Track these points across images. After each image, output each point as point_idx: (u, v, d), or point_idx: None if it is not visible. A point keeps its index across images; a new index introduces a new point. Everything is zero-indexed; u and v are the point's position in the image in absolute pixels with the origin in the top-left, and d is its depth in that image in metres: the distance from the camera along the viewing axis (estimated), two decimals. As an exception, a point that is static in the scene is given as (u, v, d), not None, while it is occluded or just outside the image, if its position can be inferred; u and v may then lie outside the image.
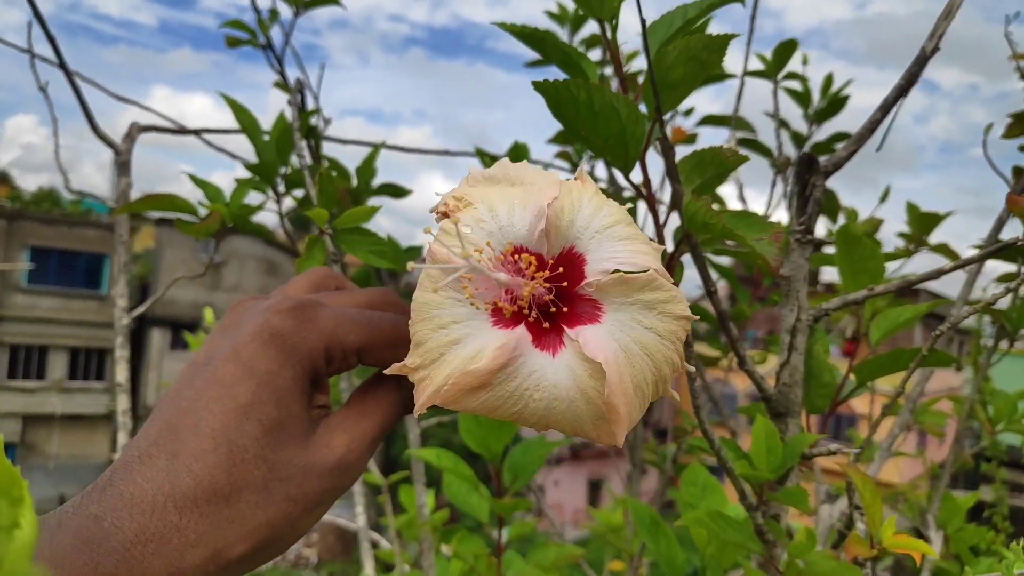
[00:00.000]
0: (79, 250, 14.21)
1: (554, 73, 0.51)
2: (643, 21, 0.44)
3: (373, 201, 1.07)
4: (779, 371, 0.56)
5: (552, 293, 0.32)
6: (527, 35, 0.48)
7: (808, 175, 0.57)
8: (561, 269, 0.33)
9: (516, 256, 0.32)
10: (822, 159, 0.58)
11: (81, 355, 14.47)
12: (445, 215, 0.33)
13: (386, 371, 0.34)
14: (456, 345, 0.32)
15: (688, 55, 0.44)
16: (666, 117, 0.49)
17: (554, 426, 0.32)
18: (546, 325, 0.32)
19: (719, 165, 0.49)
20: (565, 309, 0.32)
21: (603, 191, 0.36)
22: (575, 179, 0.36)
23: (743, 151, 1.04)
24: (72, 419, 14.21)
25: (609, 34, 0.48)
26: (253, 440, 0.32)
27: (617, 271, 0.32)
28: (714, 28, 0.54)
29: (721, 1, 0.52)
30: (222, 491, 0.31)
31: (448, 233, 0.33)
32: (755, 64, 1.04)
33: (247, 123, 0.89)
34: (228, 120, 0.97)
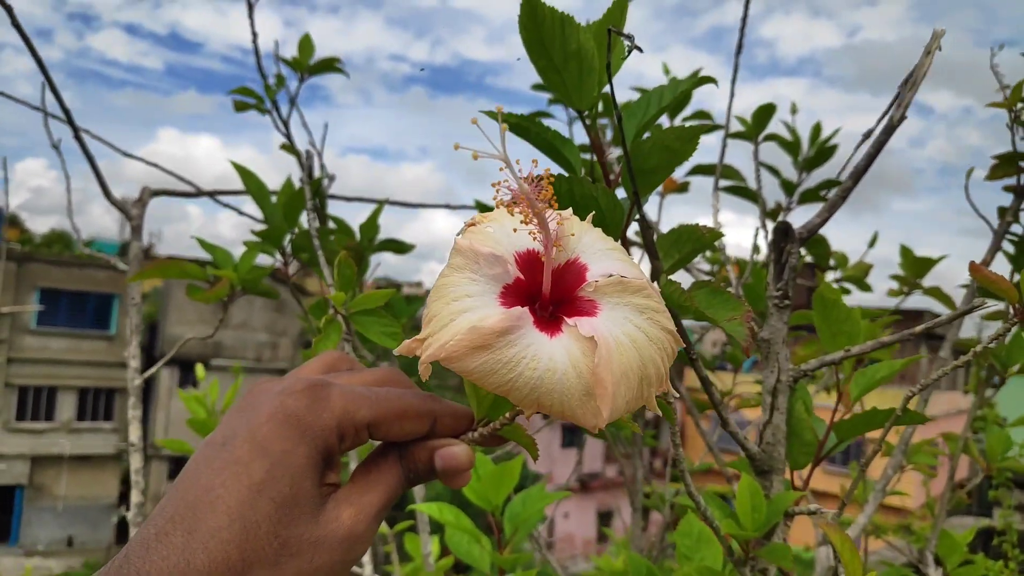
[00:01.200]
0: (88, 291, 14.33)
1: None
2: (619, 116, 0.48)
3: (375, 257, 1.11)
4: (762, 431, 0.58)
5: (552, 306, 0.37)
6: (513, 124, 0.52)
7: (784, 243, 0.60)
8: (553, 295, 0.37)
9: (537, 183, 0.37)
10: (797, 227, 0.61)
11: (90, 395, 14.50)
12: (472, 225, 0.39)
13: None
14: (465, 313, 0.35)
15: (662, 145, 0.48)
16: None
17: (542, 401, 0.34)
18: (540, 315, 0.36)
19: (696, 241, 0.52)
20: (564, 307, 0.37)
21: None
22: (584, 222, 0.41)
23: (724, 200, 1.06)
24: (80, 460, 14.18)
25: (589, 125, 0.52)
26: (266, 517, 0.34)
27: (614, 275, 0.36)
28: (704, 65, 0.58)
29: (693, 85, 0.56)
30: (235, 568, 0.33)
31: (473, 232, 0.38)
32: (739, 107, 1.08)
33: (255, 188, 0.93)
34: (234, 168, 1.01)
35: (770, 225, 1.18)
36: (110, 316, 14.57)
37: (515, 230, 0.37)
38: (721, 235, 0.51)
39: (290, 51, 1.17)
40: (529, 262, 0.37)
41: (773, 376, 0.59)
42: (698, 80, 0.56)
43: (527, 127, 0.52)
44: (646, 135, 0.51)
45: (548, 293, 0.37)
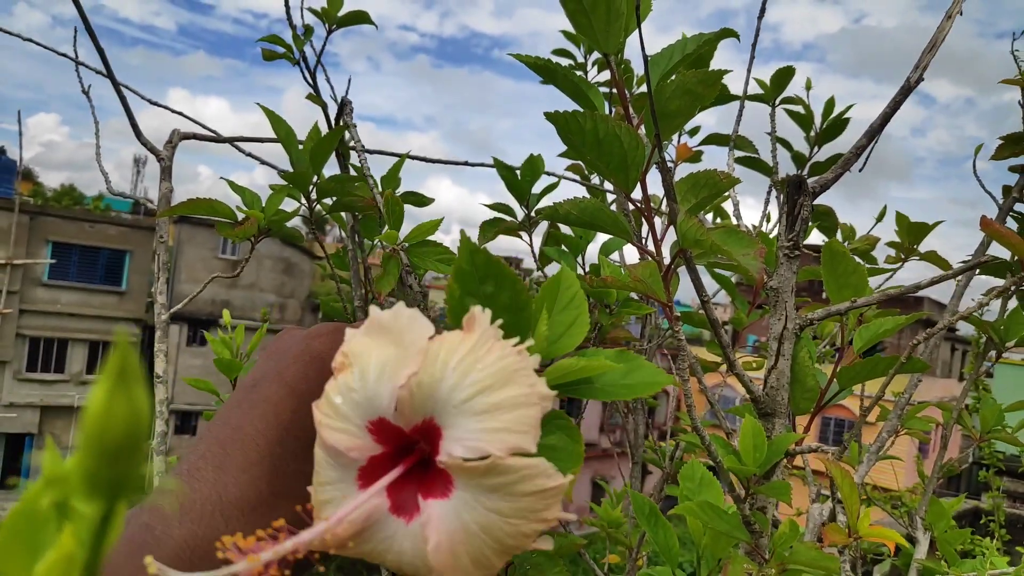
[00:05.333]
0: (100, 247, 14.43)
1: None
2: (646, 59, 0.49)
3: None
4: (767, 375, 0.61)
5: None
6: (540, 67, 0.54)
7: (797, 195, 0.62)
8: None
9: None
10: (811, 180, 0.63)
11: (100, 349, 14.68)
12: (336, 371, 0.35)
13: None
14: (328, 505, 0.34)
15: (684, 88, 0.50)
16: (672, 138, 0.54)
17: None
18: (404, 485, 0.33)
19: (713, 186, 0.54)
20: (428, 473, 0.33)
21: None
22: (464, 325, 0.33)
23: (737, 172, 1.08)
24: (89, 412, 14.36)
25: (615, 66, 0.54)
26: (294, 455, 0.36)
27: (460, 458, 0.31)
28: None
29: (716, 38, 0.57)
30: (266, 501, 0.35)
31: (327, 398, 0.34)
32: (756, 85, 1.09)
33: (284, 134, 0.95)
34: (242, 124, 1.04)
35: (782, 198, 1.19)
36: (122, 272, 14.69)
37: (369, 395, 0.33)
38: (738, 181, 0.54)
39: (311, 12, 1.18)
40: (384, 430, 0.33)
41: (780, 323, 0.61)
42: (721, 33, 0.58)
43: (554, 70, 0.54)
44: (670, 80, 0.52)
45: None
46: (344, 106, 0.97)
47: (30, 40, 1.24)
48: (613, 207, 1.28)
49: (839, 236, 1.22)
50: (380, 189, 1.04)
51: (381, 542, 0.33)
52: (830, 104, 1.16)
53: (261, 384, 0.38)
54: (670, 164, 1.37)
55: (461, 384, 0.32)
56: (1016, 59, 1.04)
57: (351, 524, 0.32)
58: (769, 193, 0.92)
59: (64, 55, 1.20)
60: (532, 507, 0.32)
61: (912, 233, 1.00)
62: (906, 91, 0.66)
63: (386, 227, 0.73)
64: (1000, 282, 1.04)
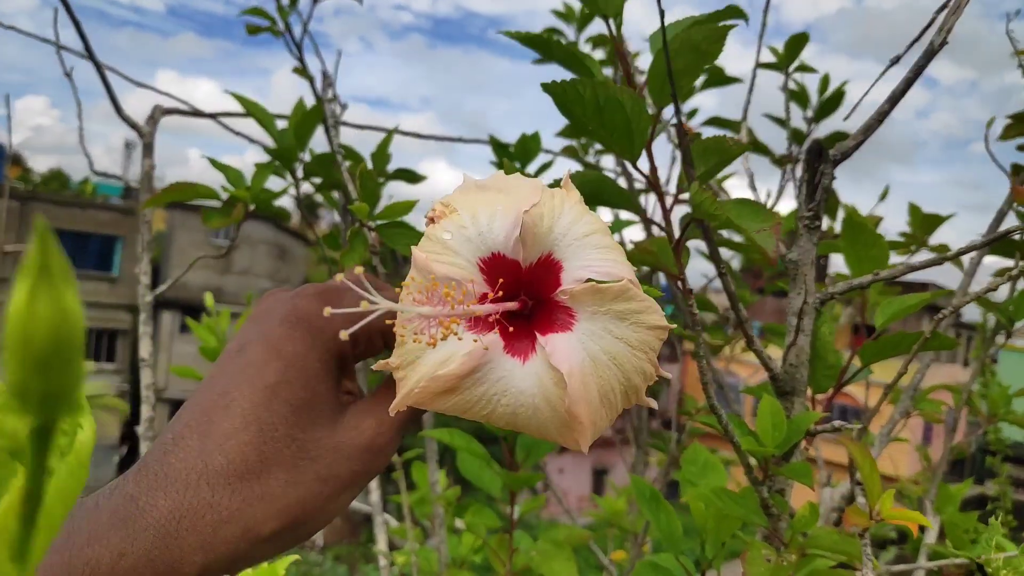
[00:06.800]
0: (91, 232, 14.32)
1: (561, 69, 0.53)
2: (662, 12, 0.46)
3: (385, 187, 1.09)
4: (786, 352, 0.58)
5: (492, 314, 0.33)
6: (531, 40, 0.51)
7: (817, 163, 0.59)
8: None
9: (446, 286, 0.32)
10: (830, 149, 0.60)
11: (92, 337, 14.60)
12: (432, 220, 0.35)
13: (373, 367, 0.36)
14: (431, 349, 0.33)
15: (690, 44, 0.47)
16: (669, 115, 0.51)
17: (522, 430, 0.33)
18: (511, 330, 0.33)
19: (723, 152, 0.50)
20: (540, 314, 0.33)
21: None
22: (561, 187, 0.36)
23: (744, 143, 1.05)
24: (83, 400, 14.33)
25: (614, 30, 0.50)
26: (282, 419, 0.33)
27: (591, 280, 0.32)
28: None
29: (723, 16, 0.54)
30: (253, 469, 0.32)
31: (430, 239, 0.34)
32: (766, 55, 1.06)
33: (259, 114, 0.91)
34: (233, 106, 1.00)
35: (789, 176, 1.16)
36: (113, 258, 14.60)
37: (479, 231, 0.33)
38: (748, 147, 0.50)
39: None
40: (497, 266, 0.34)
41: (800, 298, 0.58)
42: (729, 8, 0.54)
43: (547, 41, 0.51)
44: (675, 36, 0.49)
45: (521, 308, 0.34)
46: (325, 79, 0.93)
47: (12, 28, 1.19)
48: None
49: (841, 215, 1.19)
50: (354, 164, 1.00)
51: (495, 383, 0.32)
52: (825, 80, 1.14)
53: (247, 348, 0.35)
54: (671, 144, 1.34)
55: (578, 222, 0.33)
56: (1012, 40, 1.01)
57: (465, 362, 0.32)
58: (784, 174, 0.89)
59: (45, 40, 1.15)
60: (652, 343, 0.32)
61: (924, 225, 0.97)
62: (929, 55, 0.63)
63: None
64: (1010, 263, 1.01)
